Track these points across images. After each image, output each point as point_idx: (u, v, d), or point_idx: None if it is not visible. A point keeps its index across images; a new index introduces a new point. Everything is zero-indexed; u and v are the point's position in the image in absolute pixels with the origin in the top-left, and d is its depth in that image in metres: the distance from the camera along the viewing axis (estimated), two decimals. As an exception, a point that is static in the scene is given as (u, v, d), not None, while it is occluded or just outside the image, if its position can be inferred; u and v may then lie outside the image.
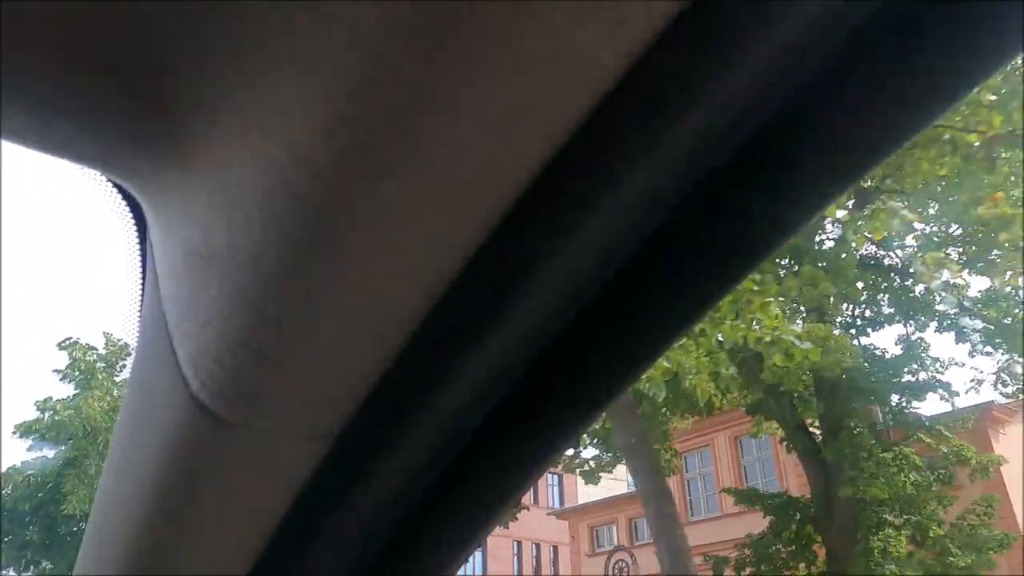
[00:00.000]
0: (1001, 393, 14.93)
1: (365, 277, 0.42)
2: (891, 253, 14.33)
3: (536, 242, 0.43)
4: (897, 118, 0.42)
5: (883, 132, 0.42)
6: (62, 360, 16.16)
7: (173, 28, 0.36)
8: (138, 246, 0.55)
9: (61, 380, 15.53)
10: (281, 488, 0.57)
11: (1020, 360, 13.50)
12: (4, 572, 14.61)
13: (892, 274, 13.70)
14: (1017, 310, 12.11)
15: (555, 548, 33.95)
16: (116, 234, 0.55)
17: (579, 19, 0.33)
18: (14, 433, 14.99)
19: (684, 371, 8.58)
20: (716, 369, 8.64)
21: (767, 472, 20.97)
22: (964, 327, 13.41)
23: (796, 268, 10.41)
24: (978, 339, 13.63)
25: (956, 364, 22.67)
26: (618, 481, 32.54)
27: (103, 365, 16.06)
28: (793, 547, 12.65)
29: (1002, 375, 14.42)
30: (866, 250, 13.31)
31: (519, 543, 33.16)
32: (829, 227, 12.18)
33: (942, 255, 12.95)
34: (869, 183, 11.54)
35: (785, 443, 13.66)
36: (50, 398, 15.49)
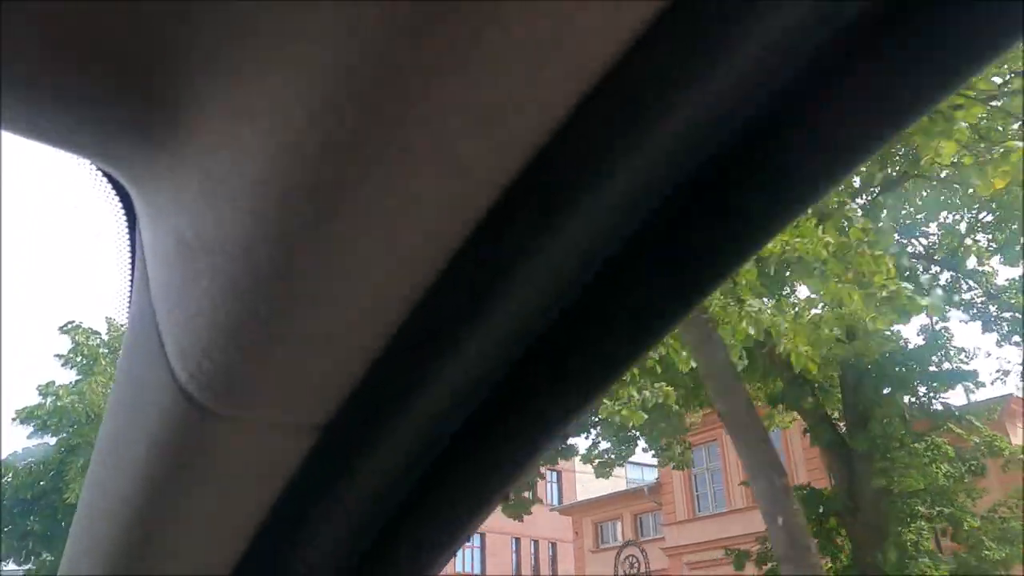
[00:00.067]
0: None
1: (353, 270, 0.42)
2: (913, 240, 14.08)
3: (519, 240, 0.43)
4: (885, 114, 0.41)
5: (871, 129, 0.42)
6: (64, 345, 15.71)
7: (164, 16, 0.36)
8: (128, 236, 0.55)
9: (63, 366, 15.05)
10: (268, 480, 0.57)
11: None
12: (4, 564, 14.17)
13: (915, 260, 13.43)
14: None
15: (554, 545, 33.76)
16: (110, 222, 0.55)
17: (562, 18, 0.33)
18: (14, 419, 14.51)
19: (778, 334, 7.94)
20: (816, 332, 8.19)
21: (777, 467, 20.68)
22: (991, 315, 13.16)
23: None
24: (1006, 328, 13.39)
25: (982, 354, 22.42)
26: (616, 479, 32.49)
27: (106, 351, 15.54)
28: (817, 540, 12.34)
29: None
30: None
31: (518, 540, 32.98)
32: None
33: (970, 242, 12.71)
34: (895, 170, 11.30)
35: (808, 434, 13.33)
36: (52, 382, 15.00)
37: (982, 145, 7.69)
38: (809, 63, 0.40)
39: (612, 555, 23.72)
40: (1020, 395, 15.77)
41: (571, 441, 14.16)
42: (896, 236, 12.87)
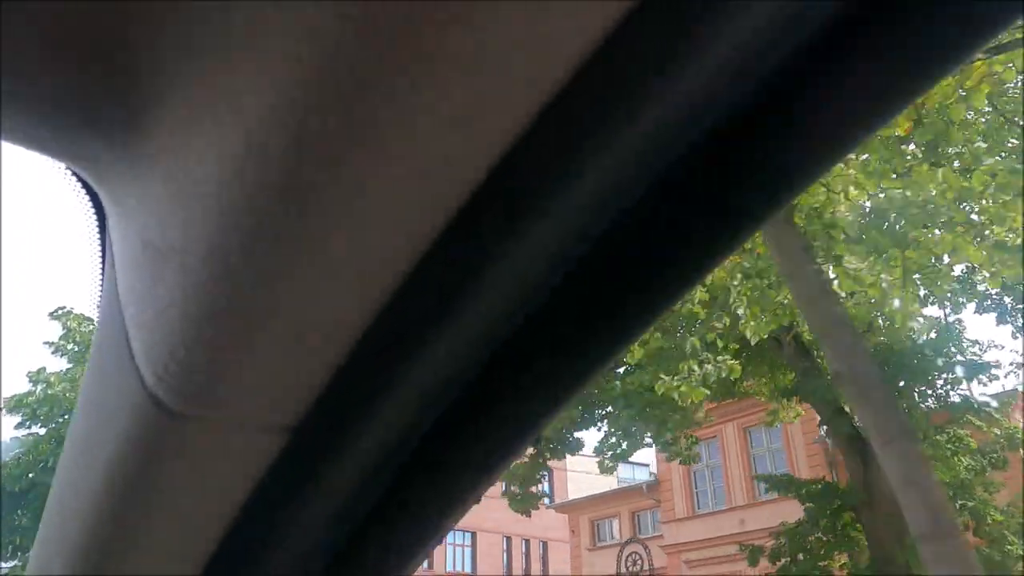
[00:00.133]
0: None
1: (319, 272, 0.42)
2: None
3: (487, 242, 0.43)
4: (860, 113, 0.42)
5: (846, 127, 0.42)
6: (55, 331, 15.17)
7: (126, 15, 0.37)
8: (98, 235, 0.55)
9: (54, 353, 14.44)
10: (238, 481, 0.57)
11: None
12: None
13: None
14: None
15: (545, 543, 33.47)
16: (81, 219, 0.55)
17: (530, 19, 0.33)
18: (3, 408, 13.95)
19: (881, 295, 7.48)
20: (930, 287, 7.71)
21: (778, 463, 20.42)
22: (1006, 307, 12.94)
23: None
24: (1021, 321, 13.18)
25: (996, 347, 22.26)
26: (608, 477, 32.27)
27: (99, 338, 14.82)
28: (832, 535, 12.08)
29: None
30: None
31: (509, 538, 32.70)
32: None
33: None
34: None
35: (824, 427, 13.07)
36: (43, 369, 14.41)
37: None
38: (781, 62, 0.40)
39: (610, 553, 23.41)
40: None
41: (577, 435, 13.82)
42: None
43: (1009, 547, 10.69)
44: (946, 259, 8.39)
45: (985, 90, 6.44)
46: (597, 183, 0.42)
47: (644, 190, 0.44)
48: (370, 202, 0.39)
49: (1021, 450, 11.69)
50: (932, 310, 13.23)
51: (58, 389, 14.02)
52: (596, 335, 0.51)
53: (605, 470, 15.35)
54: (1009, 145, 7.83)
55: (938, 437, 11.01)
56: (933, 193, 6.94)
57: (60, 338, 14.57)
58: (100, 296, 0.56)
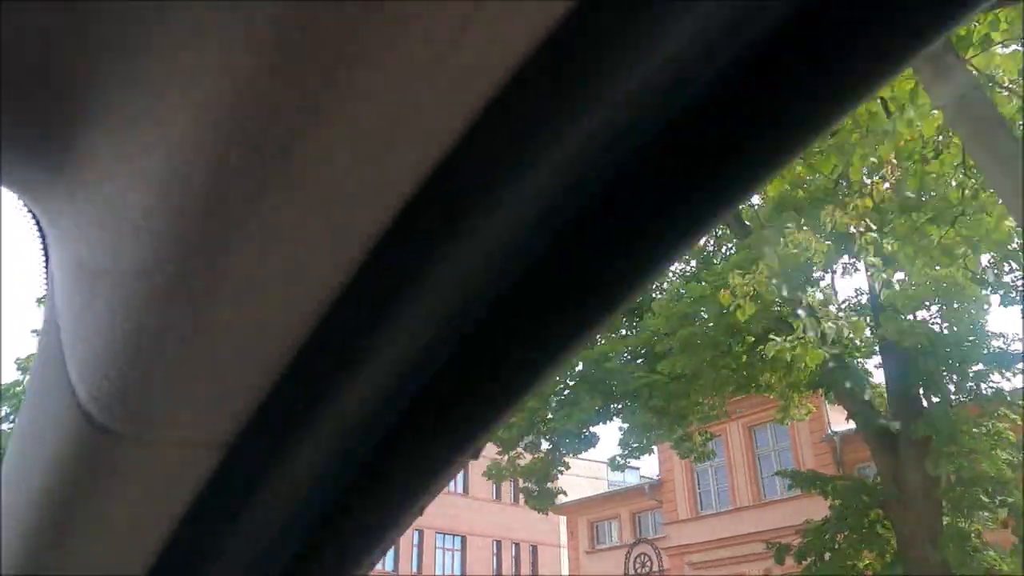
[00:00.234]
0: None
1: (250, 290, 0.43)
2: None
3: (424, 246, 0.44)
4: (795, 123, 0.42)
5: (789, 134, 0.43)
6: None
7: (61, 46, 0.38)
8: (43, 253, 0.55)
9: (41, 341, 13.70)
10: (174, 497, 0.57)
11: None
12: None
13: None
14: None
15: (535, 548, 32.94)
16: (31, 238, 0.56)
17: (468, 16, 0.33)
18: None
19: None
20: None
21: (784, 463, 20.01)
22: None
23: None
24: (1051, 313, 12.82)
25: (1021, 340, 21.95)
26: (597, 480, 31.75)
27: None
28: (861, 533, 11.62)
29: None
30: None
31: (499, 543, 32.16)
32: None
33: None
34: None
35: (851, 420, 12.62)
36: (32, 356, 13.53)
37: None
38: (728, 64, 0.41)
39: (609, 556, 22.85)
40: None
41: (593, 429, 13.27)
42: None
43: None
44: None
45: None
46: (537, 186, 0.42)
47: (594, 186, 0.44)
48: (300, 224, 0.40)
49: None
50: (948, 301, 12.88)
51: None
52: (548, 336, 0.50)
53: (616, 468, 14.82)
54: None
55: (975, 430, 10.58)
56: None
57: (48, 325, 13.78)
58: (44, 313, 0.56)
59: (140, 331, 0.44)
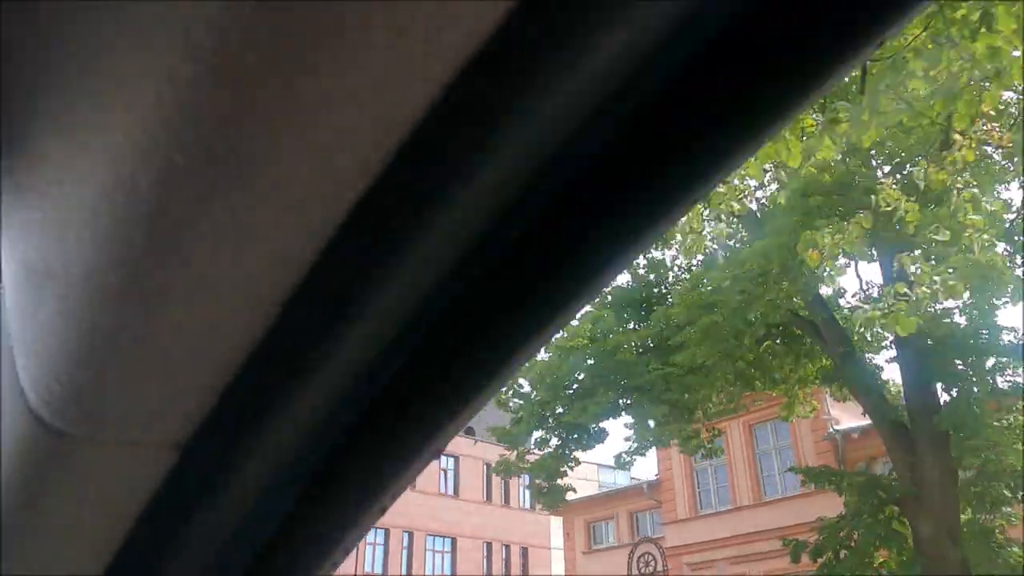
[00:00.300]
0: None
1: (202, 291, 0.43)
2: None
3: (375, 250, 0.44)
4: (772, 101, 0.43)
5: (737, 135, 0.44)
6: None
7: (3, 43, 0.38)
8: None
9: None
10: (128, 499, 0.57)
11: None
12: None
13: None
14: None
15: (525, 549, 32.65)
16: None
17: (403, 25, 0.34)
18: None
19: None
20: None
21: (784, 461, 19.82)
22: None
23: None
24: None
25: None
26: (587, 481, 31.52)
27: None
28: (878, 530, 11.39)
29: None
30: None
31: (489, 544, 31.84)
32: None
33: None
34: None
35: (867, 415, 12.40)
36: None
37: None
38: (681, 61, 0.41)
39: (606, 557, 22.56)
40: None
41: (603, 425, 12.97)
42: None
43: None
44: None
45: None
46: (485, 185, 0.42)
47: (547, 187, 0.45)
48: (248, 228, 0.40)
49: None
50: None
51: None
52: (502, 336, 0.50)
53: (622, 465, 14.52)
54: None
55: (996, 423, 10.38)
56: None
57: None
58: None
59: (91, 333, 0.44)
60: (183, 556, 0.61)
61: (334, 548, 0.62)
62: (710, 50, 0.41)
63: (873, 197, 7.15)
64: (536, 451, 13.69)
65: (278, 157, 0.37)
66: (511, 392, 12.85)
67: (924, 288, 7.43)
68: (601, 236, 0.47)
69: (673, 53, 0.41)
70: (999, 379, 11.65)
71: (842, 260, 10.87)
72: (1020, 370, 11.44)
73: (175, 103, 0.35)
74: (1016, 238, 8.98)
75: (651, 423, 12.36)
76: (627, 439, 14.24)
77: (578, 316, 12.71)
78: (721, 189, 6.96)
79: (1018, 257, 10.11)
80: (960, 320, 11.52)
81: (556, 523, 31.34)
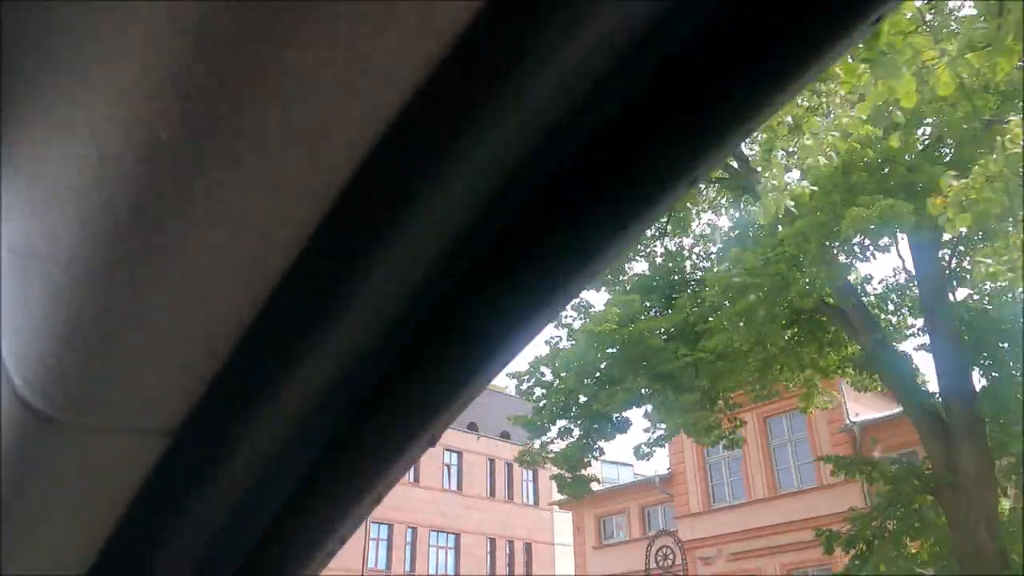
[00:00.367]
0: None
1: (188, 276, 0.43)
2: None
3: (364, 235, 0.44)
4: (748, 101, 0.43)
5: (718, 128, 0.44)
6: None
7: None
8: None
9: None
10: (118, 487, 0.56)
11: None
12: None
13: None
14: None
15: (529, 545, 32.39)
16: None
17: (377, 28, 0.34)
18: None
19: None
20: None
21: (800, 454, 19.54)
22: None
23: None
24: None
25: None
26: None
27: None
28: (913, 521, 11.08)
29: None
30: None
31: (492, 540, 31.57)
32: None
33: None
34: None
35: (899, 403, 12.09)
36: None
37: None
38: (650, 63, 0.42)
39: (617, 552, 22.24)
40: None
41: (627, 414, 12.62)
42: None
43: None
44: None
45: None
46: (459, 183, 0.42)
47: (519, 190, 0.45)
48: (232, 210, 0.39)
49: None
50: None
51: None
52: (496, 324, 0.50)
53: (642, 456, 14.18)
54: None
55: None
56: None
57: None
58: None
59: (77, 315, 0.43)
60: (174, 546, 0.60)
61: (328, 537, 0.61)
62: (695, 40, 0.41)
63: (999, 139, 6.65)
64: (541, 441, 13.33)
65: (263, 134, 0.36)
66: (533, 381, 12.49)
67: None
68: (587, 225, 0.46)
69: (657, 44, 0.40)
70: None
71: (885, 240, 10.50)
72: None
73: (159, 77, 0.34)
74: None
75: (677, 412, 11.97)
76: (646, 430, 13.93)
77: (605, 301, 12.43)
78: (808, 142, 6.57)
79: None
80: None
81: (560, 519, 31.06)
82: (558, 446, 13.04)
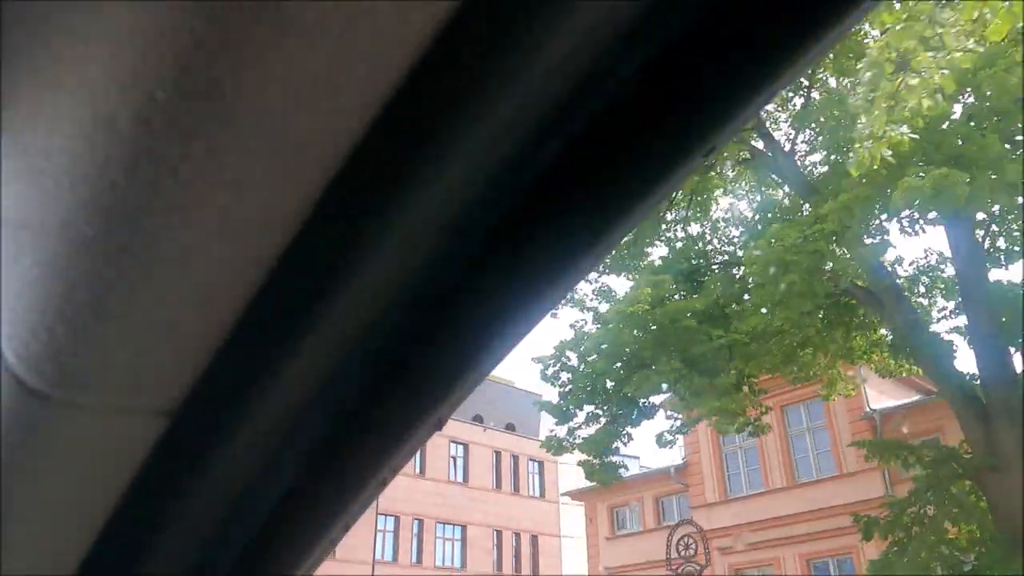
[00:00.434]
0: None
1: (186, 248, 0.41)
2: None
3: (361, 218, 0.43)
4: (730, 103, 0.43)
5: (712, 118, 0.43)
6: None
7: None
8: None
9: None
10: (114, 469, 0.54)
11: None
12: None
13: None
14: None
15: (535, 537, 32.15)
16: None
17: (358, 21, 0.34)
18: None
19: None
20: None
21: (819, 443, 19.24)
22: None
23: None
24: None
25: None
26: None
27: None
28: (952, 507, 10.77)
29: None
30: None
31: (499, 532, 31.32)
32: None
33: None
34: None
35: (937, 388, 11.76)
36: None
37: None
38: (649, 49, 0.41)
39: (631, 543, 21.93)
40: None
41: (654, 400, 12.28)
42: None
43: None
44: None
45: None
46: (449, 173, 0.41)
47: (510, 181, 0.44)
48: (233, 176, 0.38)
49: None
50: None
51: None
52: (503, 306, 0.49)
53: (664, 444, 13.84)
54: None
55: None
56: None
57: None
58: None
59: (70, 287, 0.42)
60: (175, 529, 0.59)
61: (332, 523, 0.60)
62: (683, 39, 0.41)
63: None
64: (568, 427, 12.98)
65: (263, 94, 0.34)
66: (559, 366, 12.14)
67: None
68: (589, 208, 0.45)
69: (650, 33, 0.40)
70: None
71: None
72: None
73: (153, 32, 0.33)
74: None
75: (712, 395, 11.57)
76: (668, 417, 13.60)
77: (636, 281, 12.07)
78: (913, 82, 6.16)
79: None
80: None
81: (566, 511, 30.79)
82: (579, 434, 12.71)
